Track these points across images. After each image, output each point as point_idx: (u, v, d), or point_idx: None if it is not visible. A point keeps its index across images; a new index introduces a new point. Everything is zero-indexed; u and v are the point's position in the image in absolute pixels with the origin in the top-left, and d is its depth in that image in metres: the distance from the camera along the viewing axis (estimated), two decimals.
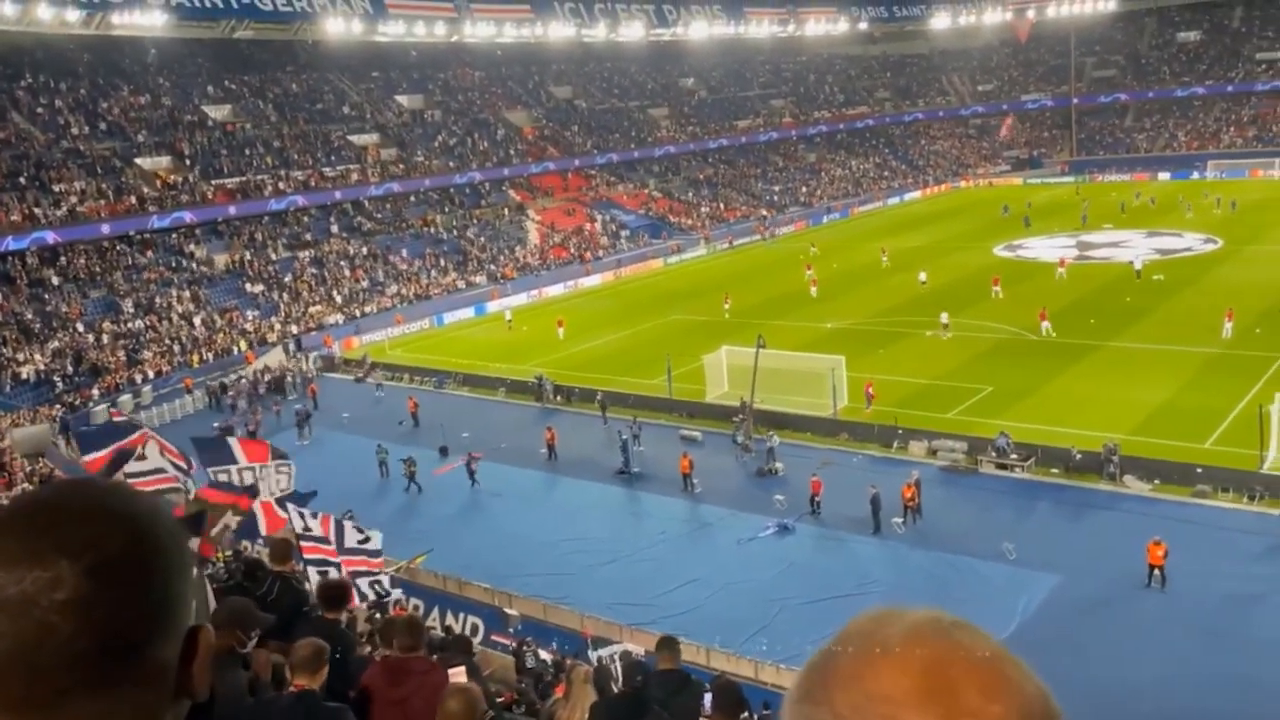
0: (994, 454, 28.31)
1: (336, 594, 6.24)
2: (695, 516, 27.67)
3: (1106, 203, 71.10)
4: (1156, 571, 21.28)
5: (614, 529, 27.03)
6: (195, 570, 1.05)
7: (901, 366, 36.87)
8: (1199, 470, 25.97)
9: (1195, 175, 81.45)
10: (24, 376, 40.99)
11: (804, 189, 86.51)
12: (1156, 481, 26.24)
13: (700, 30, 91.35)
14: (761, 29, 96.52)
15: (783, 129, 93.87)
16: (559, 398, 37.78)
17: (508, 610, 21.10)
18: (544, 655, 18.02)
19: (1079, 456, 27.42)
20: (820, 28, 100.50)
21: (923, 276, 49.39)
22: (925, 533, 24.96)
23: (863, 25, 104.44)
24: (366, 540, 13.69)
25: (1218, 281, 45.69)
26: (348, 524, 13.72)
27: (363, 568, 13.45)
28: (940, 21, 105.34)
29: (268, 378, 43.46)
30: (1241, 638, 19.17)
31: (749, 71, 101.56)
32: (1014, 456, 28.03)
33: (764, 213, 79.24)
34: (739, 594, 22.39)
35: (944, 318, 41.39)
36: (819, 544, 25.26)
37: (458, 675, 4.12)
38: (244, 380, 43.24)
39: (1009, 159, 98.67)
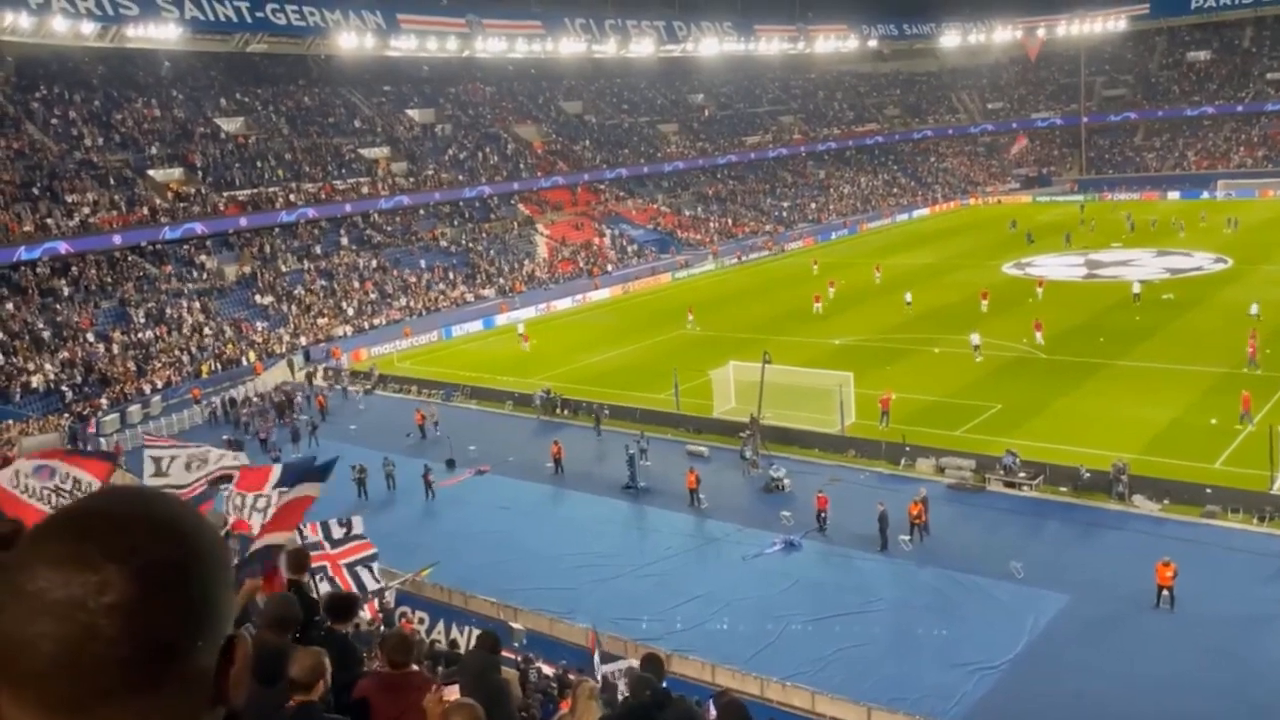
0: (1002, 472, 28.21)
1: (344, 605, 6.23)
2: (701, 532, 27.58)
3: (1114, 220, 71.08)
4: (1165, 592, 21.14)
5: (620, 544, 26.96)
6: (234, 579, 1.07)
7: (909, 383, 36.77)
8: (1208, 490, 25.82)
9: (1205, 195, 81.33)
10: (34, 386, 41.15)
11: (813, 205, 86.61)
12: (1166, 501, 26.09)
13: (710, 47, 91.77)
14: (771, 46, 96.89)
15: (792, 145, 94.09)
16: (565, 411, 37.77)
17: (513, 625, 21.04)
18: (546, 670, 17.96)
19: (1087, 475, 27.28)
20: (830, 45, 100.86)
21: (908, 297, 49.23)
22: (933, 551, 24.84)
23: (872, 43, 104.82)
24: (348, 527, 14.13)
25: (1228, 301, 45.55)
26: (331, 522, 14.18)
27: (356, 555, 13.73)
28: (950, 40, 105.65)
29: (278, 399, 42.94)
30: (1251, 659, 19.01)
31: (758, 88, 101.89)
32: (1022, 475, 27.93)
33: (768, 229, 79.38)
34: (744, 610, 22.30)
35: (975, 338, 40.19)
36: (825, 561, 25.15)
37: (452, 693, 4.12)
38: (254, 400, 42.92)
39: (1018, 177, 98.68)
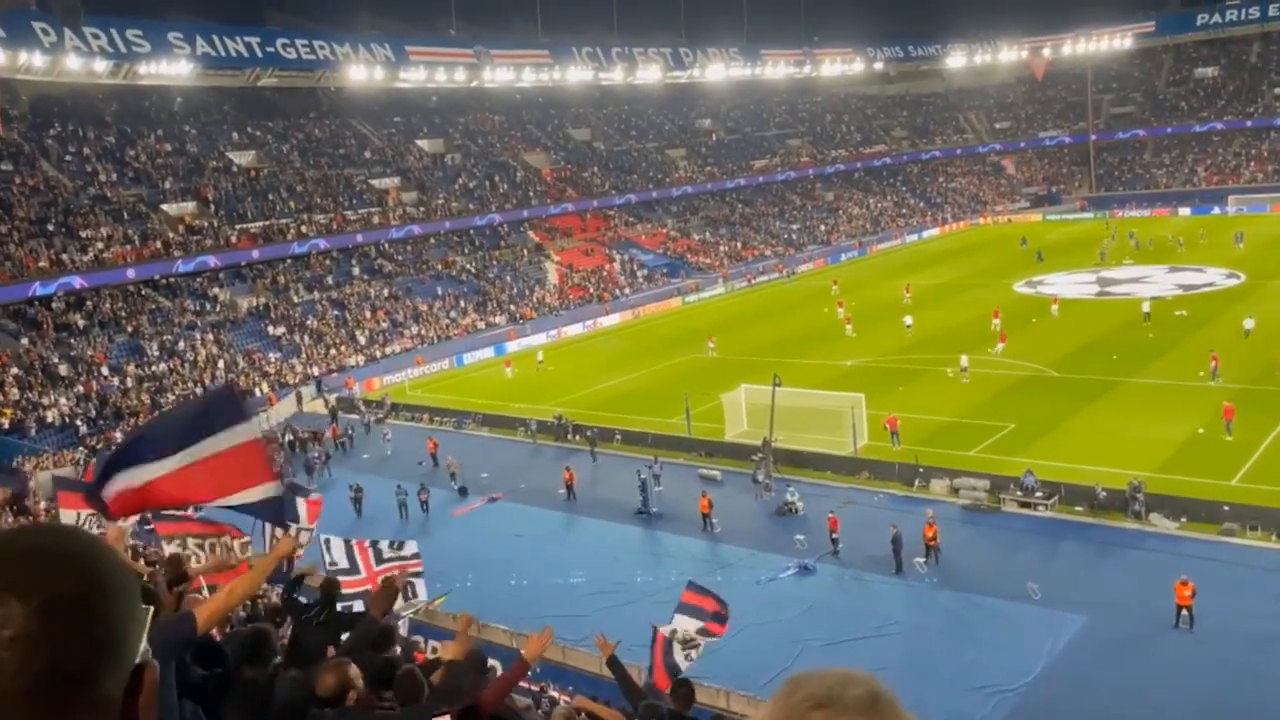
0: (1019, 492, 28.06)
1: (381, 637, 6.30)
2: (715, 557, 27.49)
3: (1121, 238, 71.00)
4: (1184, 611, 20.94)
5: (633, 570, 26.89)
6: (142, 609, 1.09)
7: (922, 404, 36.70)
8: (1226, 508, 25.63)
9: (1217, 210, 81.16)
10: (49, 420, 41.46)
11: (822, 227, 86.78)
12: (1183, 519, 25.90)
13: (717, 72, 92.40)
14: (778, 70, 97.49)
15: (800, 168, 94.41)
16: (577, 437, 37.82)
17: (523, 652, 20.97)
18: (555, 694, 17.90)
19: (1103, 494, 27.12)
20: (836, 68, 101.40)
21: (908, 321, 49.11)
22: (948, 573, 24.69)
23: (879, 65, 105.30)
24: (401, 547, 14.38)
25: (1240, 317, 45.31)
26: (382, 543, 14.42)
27: (396, 570, 13.88)
28: (956, 60, 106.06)
29: (304, 435, 41.92)
30: (1273, 678, 18.80)
31: (765, 112, 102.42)
32: (1038, 495, 27.77)
33: (778, 249, 79.57)
34: (759, 635, 22.17)
35: (964, 361, 40.57)
36: (840, 584, 25.04)
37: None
38: (275, 437, 41.92)
39: (1028, 195, 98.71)
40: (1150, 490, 26.56)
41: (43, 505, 33.20)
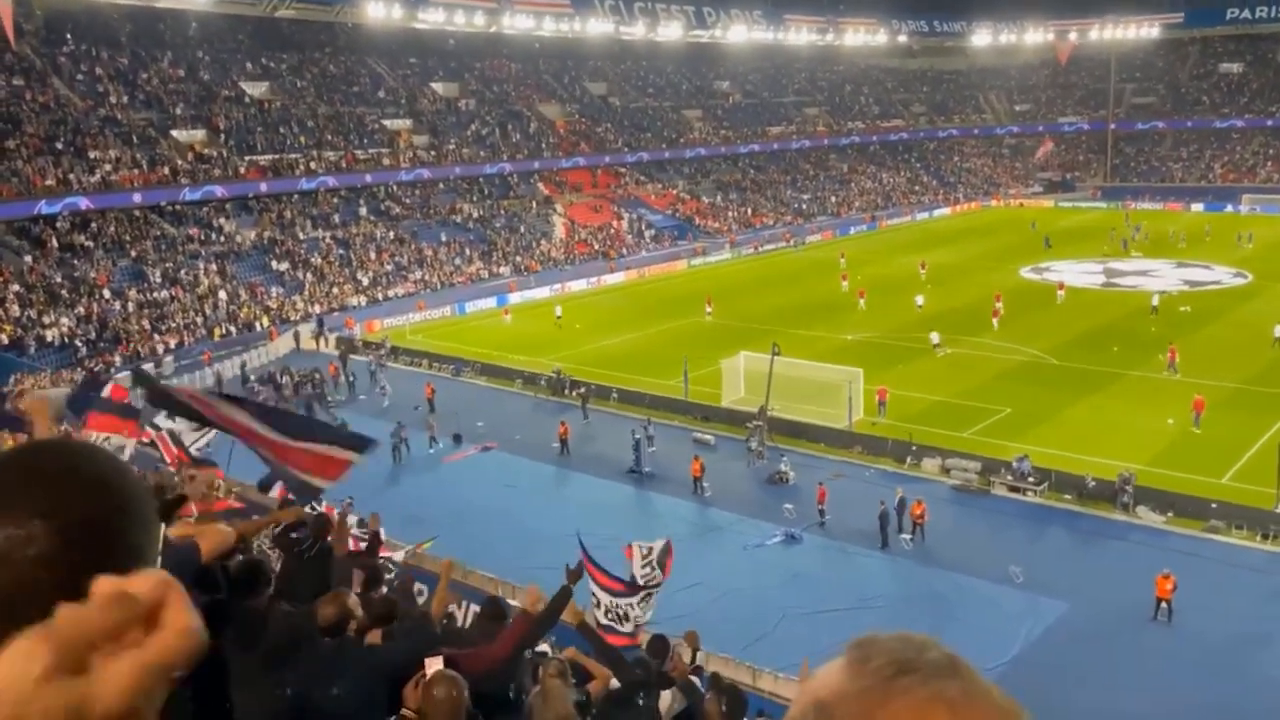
0: (1010, 476, 28.17)
1: (371, 577, 6.45)
2: (704, 520, 27.66)
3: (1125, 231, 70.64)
4: (1164, 604, 21.13)
5: (621, 527, 26.93)
6: (159, 531, 1.11)
7: (920, 382, 36.72)
8: (1213, 505, 25.75)
9: (1230, 208, 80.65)
10: (49, 340, 41.48)
11: (833, 198, 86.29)
12: (1170, 514, 26.04)
13: (739, 34, 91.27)
14: (800, 37, 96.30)
15: (815, 137, 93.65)
16: (573, 393, 37.87)
17: (511, 601, 21.16)
18: (546, 648, 18.06)
19: (1093, 484, 27.24)
20: (859, 38, 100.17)
21: (920, 300, 48.99)
22: (933, 551, 24.87)
23: (902, 38, 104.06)
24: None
25: (1245, 316, 45.25)
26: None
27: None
28: (981, 39, 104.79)
29: (299, 378, 40.42)
30: (1245, 675, 19.01)
31: (785, 78, 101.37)
32: (1030, 480, 27.88)
33: (787, 218, 79.28)
34: (742, 600, 22.38)
35: (935, 337, 41.33)
36: (825, 555, 25.22)
37: (435, 663, 4.20)
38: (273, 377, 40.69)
39: (1042, 181, 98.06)
40: (1140, 483, 26.66)
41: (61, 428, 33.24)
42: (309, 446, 5.51)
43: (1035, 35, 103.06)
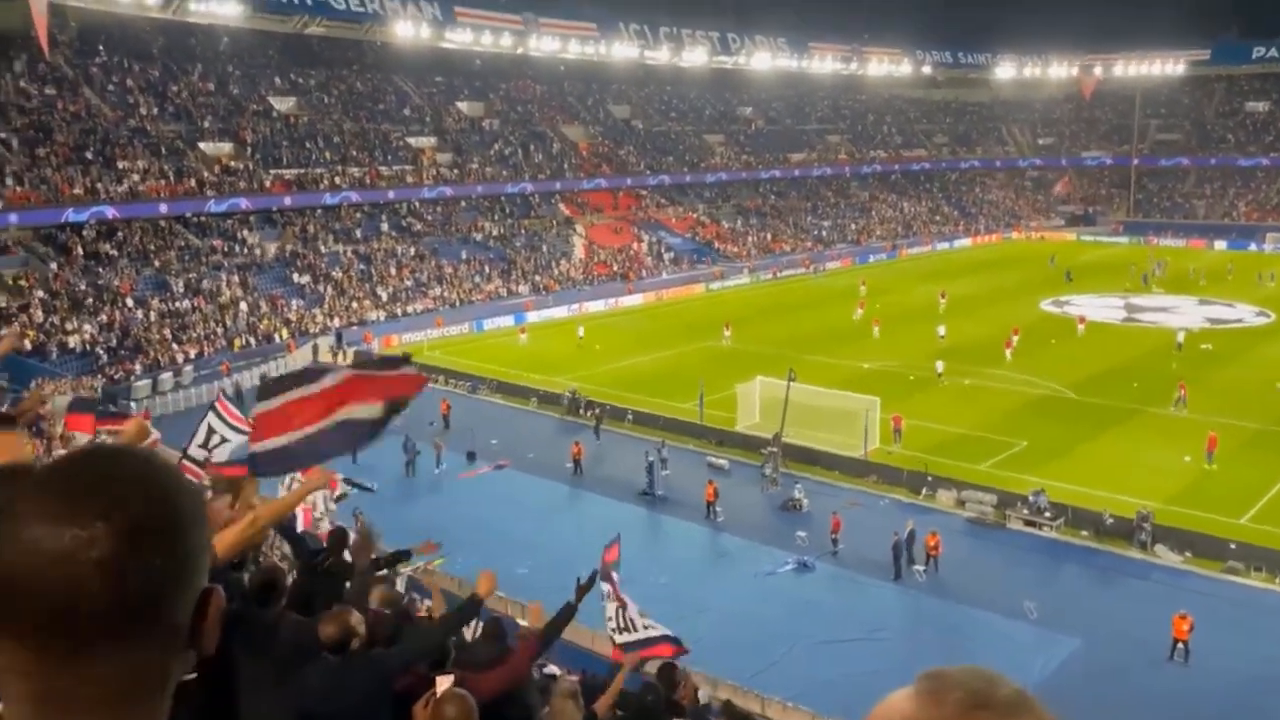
0: (1026, 511, 27.92)
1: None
2: (715, 545, 27.54)
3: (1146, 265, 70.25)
4: (1180, 645, 20.84)
5: (632, 550, 26.82)
6: (210, 536, 1.16)
7: (937, 413, 36.53)
8: (1233, 546, 25.43)
9: (1253, 247, 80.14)
10: (71, 346, 41.85)
11: (853, 226, 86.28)
12: (1188, 554, 25.72)
13: (763, 61, 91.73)
14: (824, 65, 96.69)
15: (837, 165, 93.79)
16: (588, 413, 37.86)
17: (520, 621, 21.08)
18: (555, 670, 17.97)
19: (1110, 521, 26.97)
20: (884, 68, 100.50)
21: (941, 331, 48.79)
22: (946, 583, 24.64)
23: (926, 69, 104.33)
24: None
25: (1267, 356, 44.83)
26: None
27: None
28: (1005, 71, 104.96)
29: None
30: (1262, 718, 18.70)
31: (808, 105, 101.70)
32: (1046, 515, 27.63)
33: (807, 245, 79.35)
34: (752, 627, 22.22)
35: (939, 366, 41.70)
36: (837, 585, 25.03)
37: (445, 682, 4.18)
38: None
39: (1063, 214, 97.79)
40: (1158, 521, 26.38)
41: (59, 429, 33.53)
42: (376, 373, 5.29)
43: (1060, 69, 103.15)
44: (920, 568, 25.08)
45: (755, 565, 25.73)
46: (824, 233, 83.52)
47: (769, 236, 79.74)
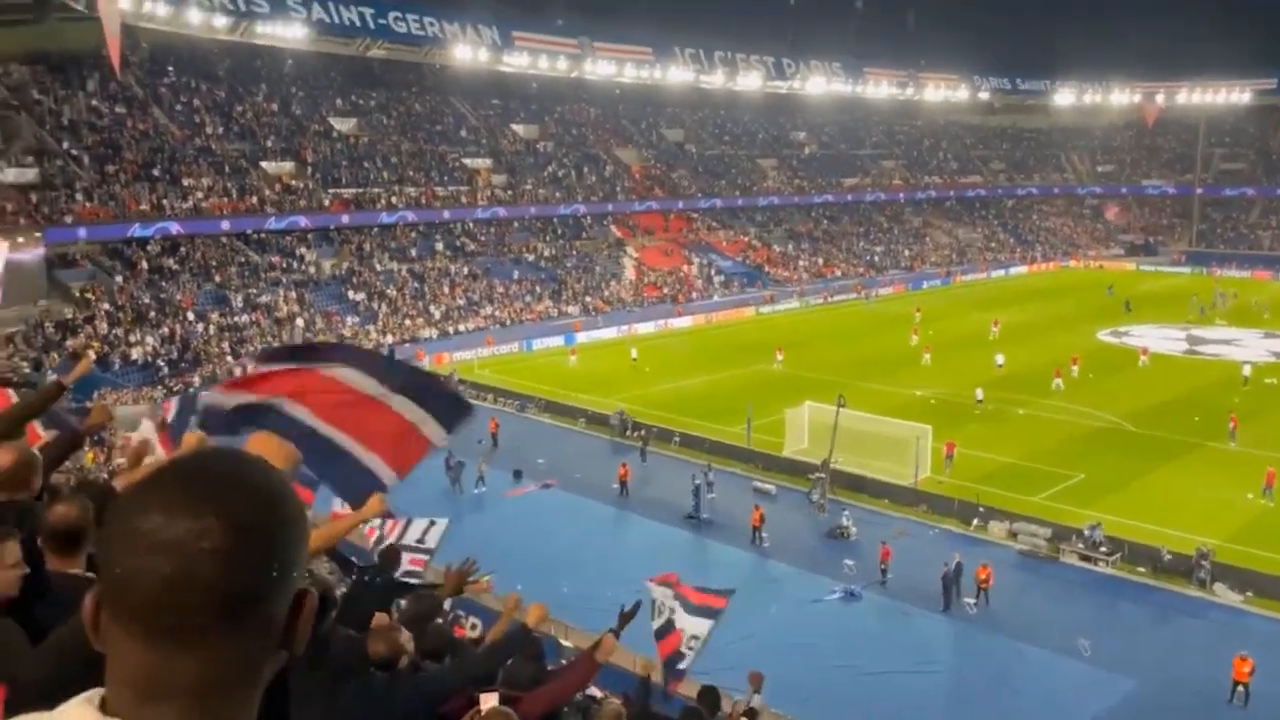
0: (1081, 545, 27.32)
1: (429, 611, 6.43)
2: (761, 571, 27.31)
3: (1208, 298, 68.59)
4: (1240, 688, 20.19)
5: (677, 572, 26.83)
6: (309, 539, 1.25)
7: (990, 442, 35.97)
8: None
9: None
10: (133, 358, 42.96)
11: (907, 252, 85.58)
12: (1249, 593, 24.96)
13: (817, 86, 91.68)
14: (880, 90, 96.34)
15: (891, 190, 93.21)
16: (636, 435, 37.88)
17: (563, 642, 21.12)
18: (597, 693, 17.91)
19: (1168, 557, 26.27)
20: (940, 94, 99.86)
21: (1000, 359, 48.04)
22: (996, 617, 24.16)
23: (983, 95, 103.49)
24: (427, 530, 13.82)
25: None
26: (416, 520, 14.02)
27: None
28: (1064, 98, 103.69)
29: None
30: None
31: (862, 130, 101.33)
32: (1102, 549, 27.01)
33: (859, 270, 78.88)
34: (796, 655, 21.96)
35: (979, 394, 41.31)
36: (885, 615, 24.67)
37: (490, 699, 4.19)
38: None
39: (1123, 243, 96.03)
40: (1218, 559, 25.65)
41: (119, 439, 34.36)
42: (405, 412, 4.26)
43: (1121, 96, 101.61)
44: (970, 600, 24.64)
45: (801, 592, 25.46)
46: (876, 258, 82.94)
47: (820, 261, 79.39)
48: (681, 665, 11.76)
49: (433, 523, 14.38)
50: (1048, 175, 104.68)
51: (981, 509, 29.73)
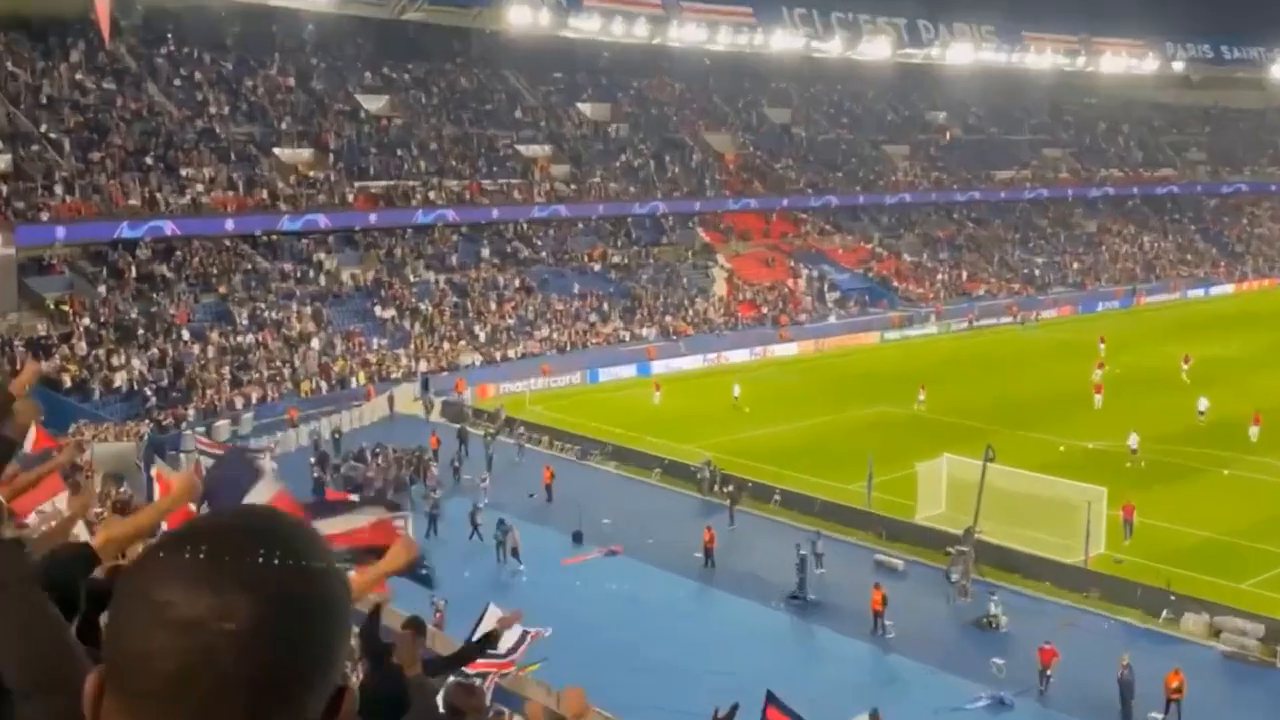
0: None
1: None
2: (883, 668, 26.91)
3: None
4: None
5: (774, 668, 26.36)
6: (352, 624, 1.26)
7: (1186, 512, 34.94)
8: None
9: None
10: (116, 384, 44.19)
11: (1076, 265, 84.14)
12: None
13: (963, 55, 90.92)
14: (1042, 59, 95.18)
15: (1056, 186, 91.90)
16: (725, 491, 37.63)
17: None
18: None
19: None
20: (1120, 64, 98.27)
21: (1203, 405, 46.56)
22: None
23: (1178, 65, 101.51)
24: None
25: None
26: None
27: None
28: None
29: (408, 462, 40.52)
30: None
31: (1019, 110, 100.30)
32: None
33: (1013, 286, 77.77)
34: None
35: (1133, 441, 40.42)
36: None
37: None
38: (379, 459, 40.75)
39: None
40: None
41: (96, 483, 35.27)
42: (350, 520, 6.15)
43: None
44: (1158, 716, 23.85)
45: (935, 698, 24.98)
46: (1036, 272, 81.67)
47: (963, 275, 78.44)
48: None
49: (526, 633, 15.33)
50: (1262, 169, 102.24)
51: (1173, 597, 28.85)
